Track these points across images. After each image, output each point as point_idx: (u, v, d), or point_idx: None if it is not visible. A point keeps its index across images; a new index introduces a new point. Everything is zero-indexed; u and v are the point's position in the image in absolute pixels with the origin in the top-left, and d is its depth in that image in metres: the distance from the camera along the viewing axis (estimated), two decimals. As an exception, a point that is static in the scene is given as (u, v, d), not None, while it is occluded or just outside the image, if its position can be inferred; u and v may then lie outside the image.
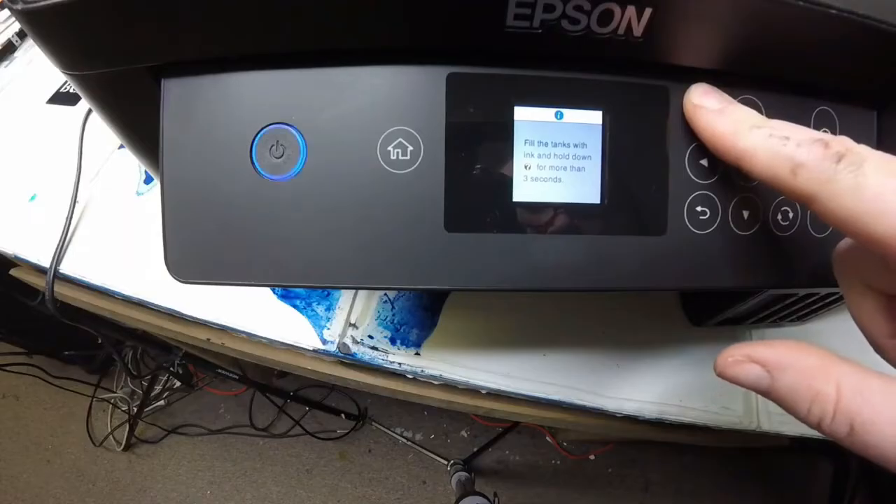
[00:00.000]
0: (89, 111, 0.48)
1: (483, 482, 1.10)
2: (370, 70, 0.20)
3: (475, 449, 1.10)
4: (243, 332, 0.42)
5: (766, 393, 0.15)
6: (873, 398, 0.13)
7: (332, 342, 0.41)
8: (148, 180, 0.48)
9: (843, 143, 0.14)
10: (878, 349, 0.17)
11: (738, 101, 0.21)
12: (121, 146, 0.50)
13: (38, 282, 0.49)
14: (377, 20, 0.18)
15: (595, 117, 0.21)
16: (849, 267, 0.18)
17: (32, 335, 1.03)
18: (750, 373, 0.15)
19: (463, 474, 0.93)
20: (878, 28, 0.18)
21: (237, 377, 0.96)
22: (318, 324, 0.41)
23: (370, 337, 0.41)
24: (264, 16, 0.17)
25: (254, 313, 0.41)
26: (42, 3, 0.16)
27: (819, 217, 0.14)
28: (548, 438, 1.16)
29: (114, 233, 0.45)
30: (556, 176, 0.21)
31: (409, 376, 0.42)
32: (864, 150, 0.14)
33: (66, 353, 1.12)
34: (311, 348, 0.41)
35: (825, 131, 0.22)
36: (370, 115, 0.20)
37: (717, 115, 0.19)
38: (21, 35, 0.60)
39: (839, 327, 0.42)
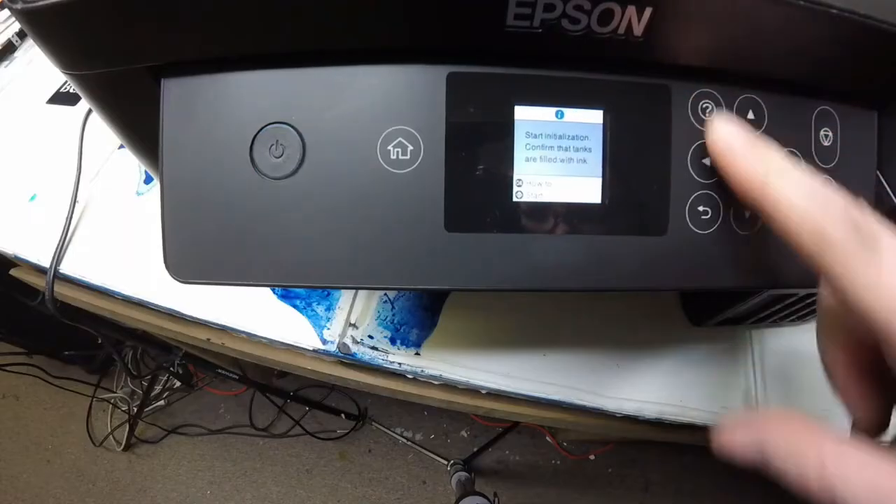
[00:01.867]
0: (89, 111, 0.48)
1: (483, 482, 1.10)
2: (370, 69, 0.20)
3: (475, 449, 1.10)
4: (243, 332, 0.42)
5: (767, 467, 0.15)
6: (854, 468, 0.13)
7: (332, 342, 0.41)
8: (148, 180, 0.48)
9: (871, 227, 0.14)
10: (838, 393, 0.18)
11: (739, 102, 0.21)
12: (121, 146, 0.50)
13: (38, 282, 0.49)
14: (377, 20, 0.18)
15: (596, 116, 0.21)
16: (838, 329, 0.18)
17: (32, 335, 1.03)
18: (749, 452, 0.16)
19: (463, 474, 0.93)
20: (879, 28, 0.18)
21: (237, 377, 0.96)
22: (318, 324, 0.41)
23: (370, 337, 0.41)
24: (264, 16, 0.17)
25: (254, 313, 0.41)
26: (42, 3, 0.16)
27: (828, 286, 0.14)
28: (548, 438, 1.15)
29: (114, 233, 0.45)
30: (557, 175, 0.21)
31: (409, 376, 0.42)
32: (888, 240, 0.14)
33: (66, 353, 1.12)
34: (311, 348, 0.40)
35: (826, 132, 0.22)
36: (370, 115, 0.20)
37: (746, 152, 0.17)
38: (21, 35, 0.60)
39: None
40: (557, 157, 0.21)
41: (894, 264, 0.13)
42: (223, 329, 0.43)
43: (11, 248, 0.45)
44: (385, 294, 0.43)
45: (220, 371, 0.92)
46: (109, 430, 1.17)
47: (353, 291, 0.43)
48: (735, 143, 0.17)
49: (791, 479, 0.14)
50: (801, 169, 0.16)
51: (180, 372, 1.13)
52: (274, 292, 0.42)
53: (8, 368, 1.06)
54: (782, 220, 0.15)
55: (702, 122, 0.21)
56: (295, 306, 0.42)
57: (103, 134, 0.48)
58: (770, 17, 0.18)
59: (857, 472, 0.13)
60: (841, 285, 0.14)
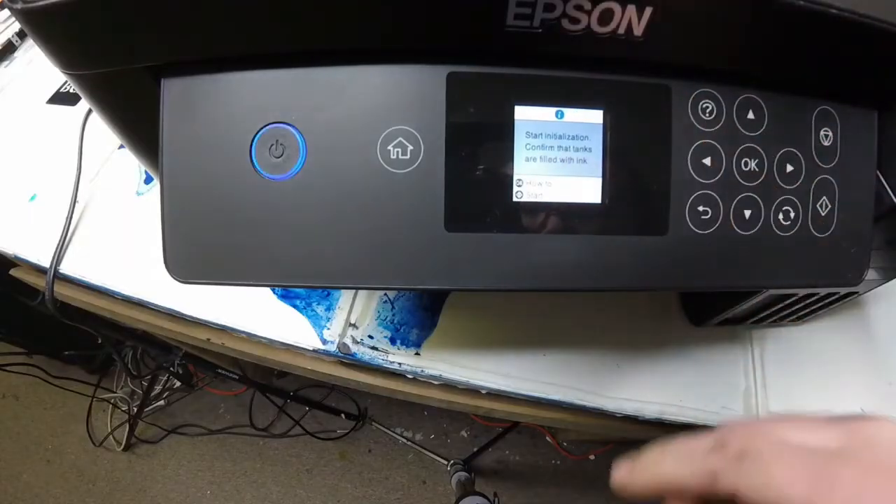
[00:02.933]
0: (89, 111, 0.48)
1: (483, 482, 1.10)
2: (370, 69, 0.20)
3: (475, 449, 1.10)
4: (243, 332, 0.41)
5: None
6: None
7: (332, 342, 0.41)
8: (148, 180, 0.48)
9: (737, 439, 0.17)
10: None
11: (739, 101, 0.21)
12: (121, 146, 0.50)
13: (38, 282, 0.49)
14: (377, 20, 0.18)
15: (596, 116, 0.21)
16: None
17: (32, 335, 1.03)
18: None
19: (463, 474, 0.93)
20: (879, 28, 0.18)
21: (237, 377, 0.95)
22: (318, 324, 0.41)
23: (370, 337, 0.41)
24: (264, 16, 0.17)
25: (254, 313, 0.41)
26: (42, 3, 0.16)
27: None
28: (548, 438, 1.15)
29: (114, 233, 0.45)
30: (557, 175, 0.21)
31: (409, 376, 0.42)
32: (758, 443, 0.16)
33: (66, 353, 1.12)
34: (311, 348, 0.40)
35: (826, 132, 0.22)
36: (370, 115, 0.20)
37: (632, 473, 0.20)
38: (21, 35, 0.60)
39: (839, 327, 0.42)
40: (557, 157, 0.21)
41: (770, 460, 0.15)
42: (223, 329, 0.43)
43: (11, 248, 0.45)
44: (385, 294, 0.43)
45: (220, 371, 0.92)
46: (109, 430, 1.17)
47: (353, 291, 0.43)
48: (620, 474, 0.20)
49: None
50: (668, 451, 0.19)
51: (180, 372, 1.13)
52: (274, 292, 0.42)
53: (8, 368, 1.06)
54: (680, 484, 0.18)
55: (702, 121, 0.21)
56: (295, 306, 0.42)
57: (103, 134, 0.48)
58: (770, 17, 0.18)
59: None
60: (745, 494, 0.16)
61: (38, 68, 0.58)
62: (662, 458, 0.19)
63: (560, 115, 0.21)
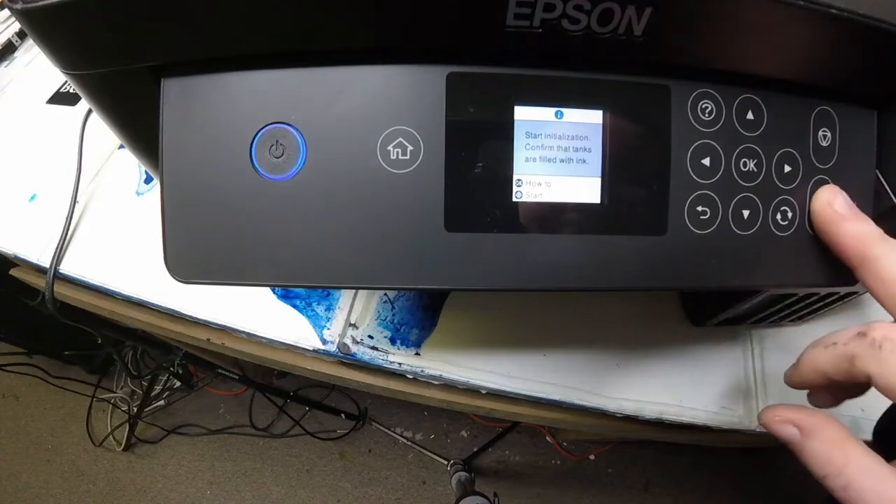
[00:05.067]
0: (89, 111, 0.48)
1: (483, 482, 1.10)
2: (370, 69, 0.20)
3: (475, 449, 1.10)
4: (243, 332, 0.42)
5: (796, 448, 0.19)
6: (869, 474, 0.17)
7: (332, 342, 0.41)
8: (148, 180, 0.48)
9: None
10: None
11: (738, 102, 0.21)
12: (121, 146, 0.50)
13: (38, 282, 0.49)
14: (377, 20, 0.18)
15: (595, 116, 0.21)
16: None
17: (32, 335, 1.03)
18: (787, 431, 0.20)
19: (463, 474, 0.93)
20: (879, 28, 0.18)
21: (237, 377, 0.95)
22: (318, 324, 0.41)
23: (370, 337, 0.41)
24: (264, 16, 0.17)
25: (254, 313, 0.41)
26: (42, 3, 0.16)
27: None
28: (548, 438, 1.15)
29: (114, 233, 0.45)
30: (557, 175, 0.21)
31: (409, 376, 0.42)
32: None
33: (66, 353, 1.12)
34: (311, 348, 0.40)
35: (824, 132, 0.23)
36: (370, 115, 0.20)
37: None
38: (21, 35, 0.60)
39: (838, 327, 0.42)
40: (557, 157, 0.21)
41: None
42: (223, 329, 0.43)
43: (11, 248, 0.45)
44: (385, 294, 0.43)
45: (220, 371, 0.92)
46: (109, 430, 1.17)
47: (353, 291, 0.43)
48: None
49: (815, 467, 0.18)
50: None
51: (180, 372, 1.13)
52: (274, 292, 0.42)
53: (8, 368, 1.06)
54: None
55: (701, 122, 0.21)
56: (295, 306, 0.42)
57: (103, 134, 0.48)
58: (770, 17, 0.18)
59: (875, 487, 0.17)
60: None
61: (38, 68, 0.58)
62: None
63: (560, 115, 0.21)
